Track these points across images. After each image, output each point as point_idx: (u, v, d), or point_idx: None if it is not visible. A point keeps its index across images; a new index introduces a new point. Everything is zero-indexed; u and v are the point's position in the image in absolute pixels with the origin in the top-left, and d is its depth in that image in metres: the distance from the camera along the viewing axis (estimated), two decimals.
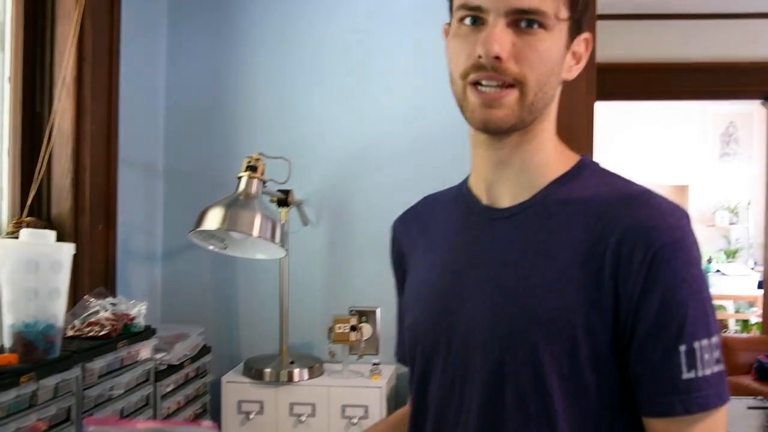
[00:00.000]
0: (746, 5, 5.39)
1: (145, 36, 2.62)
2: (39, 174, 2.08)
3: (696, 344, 1.00)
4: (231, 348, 2.72)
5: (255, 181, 2.25)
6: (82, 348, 1.75)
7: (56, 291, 1.61)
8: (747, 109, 9.16)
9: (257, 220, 2.17)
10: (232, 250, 2.37)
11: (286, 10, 2.70)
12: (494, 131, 1.10)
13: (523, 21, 1.06)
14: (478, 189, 1.19)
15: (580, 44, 1.14)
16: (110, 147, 2.32)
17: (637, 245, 1.02)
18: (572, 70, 1.15)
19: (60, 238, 1.66)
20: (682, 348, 1.00)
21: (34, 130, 2.18)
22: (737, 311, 8.27)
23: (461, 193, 1.23)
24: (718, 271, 7.49)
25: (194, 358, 2.38)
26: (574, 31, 1.12)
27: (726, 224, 9.37)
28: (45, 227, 2.08)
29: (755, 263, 8.58)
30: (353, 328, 2.44)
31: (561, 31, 1.09)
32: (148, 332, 2.02)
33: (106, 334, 1.86)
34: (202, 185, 2.68)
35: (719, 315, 8.15)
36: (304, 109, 2.68)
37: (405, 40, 2.60)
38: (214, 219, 2.15)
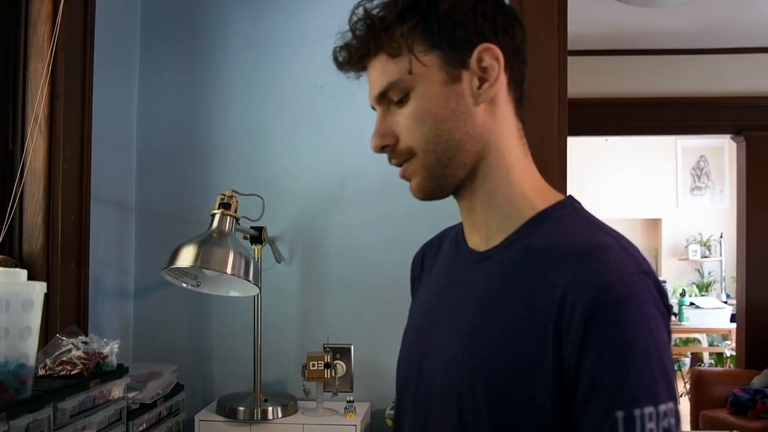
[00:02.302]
0: (715, 41, 5.49)
1: (117, 73, 2.63)
2: (10, 212, 2.07)
3: (637, 411, 0.92)
4: (204, 386, 2.70)
5: (228, 219, 2.25)
6: (54, 387, 1.73)
7: (27, 330, 1.59)
8: (717, 143, 9.30)
9: (230, 258, 2.17)
10: (205, 287, 2.36)
11: (258, 48, 2.72)
12: (422, 199, 1.14)
13: (392, 101, 1.10)
14: (465, 231, 1.19)
15: (480, 60, 1.09)
16: (82, 185, 2.31)
17: (578, 302, 0.96)
18: (484, 90, 1.10)
19: (31, 276, 1.65)
20: (620, 414, 0.92)
21: (5, 167, 2.18)
22: (711, 344, 8.32)
23: (459, 231, 1.22)
24: (692, 304, 7.53)
25: (167, 397, 2.36)
26: (457, 57, 1.09)
27: (698, 257, 9.45)
28: (16, 265, 2.07)
29: (728, 296, 8.65)
30: (327, 366, 2.43)
31: (429, 77, 1.08)
32: (120, 371, 2.01)
33: (78, 373, 1.85)
34: (174, 222, 2.68)
35: (693, 348, 8.20)
36: (277, 146, 2.69)
37: None
38: (186, 256, 2.14)
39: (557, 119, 2.55)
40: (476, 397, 1.03)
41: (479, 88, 1.09)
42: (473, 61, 1.09)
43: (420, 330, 1.20)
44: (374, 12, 1.10)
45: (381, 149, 1.12)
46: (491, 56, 1.09)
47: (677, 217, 9.65)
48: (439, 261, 1.27)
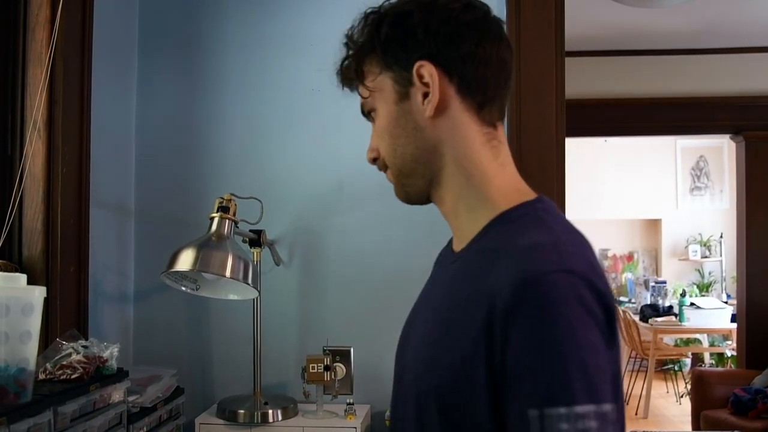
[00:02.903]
0: (713, 41, 5.49)
1: (115, 77, 2.64)
2: (10, 216, 2.08)
3: (549, 411, 0.92)
4: (204, 389, 2.70)
5: (227, 222, 2.26)
6: (54, 391, 1.74)
7: (27, 334, 1.60)
8: (716, 143, 9.30)
9: (229, 261, 2.17)
10: (204, 291, 2.37)
11: (256, 52, 2.72)
12: (405, 202, 1.24)
13: (372, 120, 1.23)
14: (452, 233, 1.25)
15: (420, 76, 1.14)
16: (81, 189, 2.32)
17: (500, 302, 0.98)
18: (426, 104, 1.14)
19: (31, 281, 1.66)
20: (533, 413, 0.93)
21: (5, 172, 2.19)
22: (712, 344, 8.32)
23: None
24: (692, 304, 7.53)
25: (167, 400, 2.36)
26: (404, 75, 1.15)
27: (699, 258, 9.45)
28: (16, 270, 2.07)
29: (728, 296, 8.64)
30: (327, 368, 2.44)
31: (384, 97, 1.18)
32: (120, 375, 2.01)
33: (78, 377, 1.85)
34: (173, 226, 2.68)
35: (694, 349, 8.19)
36: (276, 149, 2.70)
37: None
38: (186, 260, 2.15)
39: (555, 121, 2.56)
40: (428, 396, 1.07)
41: (423, 104, 1.14)
42: (415, 78, 1.14)
43: (405, 328, 1.27)
44: (349, 44, 1.22)
45: (372, 161, 1.25)
46: (427, 72, 1.14)
47: (677, 218, 9.66)
48: (439, 262, 1.33)
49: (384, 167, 1.23)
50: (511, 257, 1.02)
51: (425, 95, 1.14)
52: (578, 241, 1.07)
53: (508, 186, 1.17)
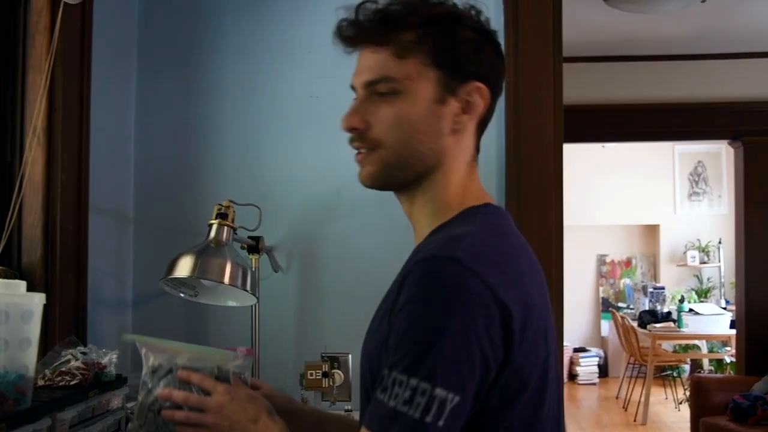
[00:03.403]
0: (711, 47, 5.50)
1: (114, 85, 2.65)
2: (9, 223, 2.08)
3: (393, 374, 1.04)
4: None
5: (225, 229, 2.26)
6: (53, 398, 1.74)
7: (27, 341, 1.60)
8: (715, 148, 9.32)
9: (228, 268, 2.18)
10: (203, 297, 2.37)
11: (254, 59, 2.73)
12: (367, 186, 1.27)
13: (378, 91, 1.21)
14: None
15: (470, 94, 1.21)
16: (80, 196, 2.32)
17: (398, 284, 1.11)
18: (462, 121, 1.22)
19: (30, 287, 1.66)
20: (385, 372, 1.06)
21: (4, 179, 2.19)
22: (710, 351, 8.32)
23: None
24: (691, 310, 7.53)
25: None
26: (452, 83, 1.20)
27: (697, 263, 9.45)
28: (15, 276, 2.08)
29: (727, 302, 8.65)
30: (325, 375, 2.44)
31: (422, 89, 1.19)
32: (119, 381, 2.01)
33: (77, 383, 1.85)
34: (172, 233, 2.68)
35: (693, 355, 8.20)
36: (274, 156, 2.70)
37: None
38: (184, 267, 2.15)
39: (553, 126, 2.57)
40: (366, 377, 1.19)
41: (458, 116, 1.21)
42: (463, 92, 1.21)
43: None
44: (393, 7, 1.20)
45: (351, 129, 1.25)
46: (479, 95, 1.22)
47: (675, 223, 9.67)
48: None
49: (368, 145, 1.23)
50: (427, 246, 1.14)
51: (462, 111, 1.21)
52: (494, 240, 1.17)
53: (469, 198, 1.26)
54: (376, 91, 1.21)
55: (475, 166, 1.28)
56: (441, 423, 1.02)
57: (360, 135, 1.24)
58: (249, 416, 1.30)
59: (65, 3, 2.09)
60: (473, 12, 1.24)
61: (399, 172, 1.23)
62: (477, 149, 1.28)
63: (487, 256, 1.10)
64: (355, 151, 1.28)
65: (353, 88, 1.26)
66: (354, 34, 1.21)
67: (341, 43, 1.23)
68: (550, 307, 1.25)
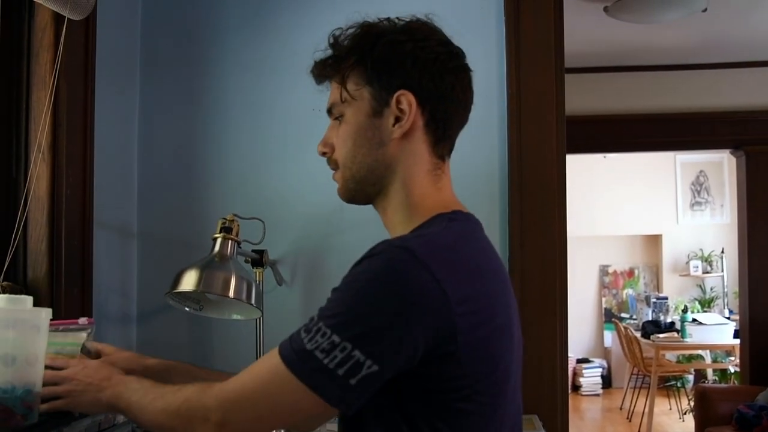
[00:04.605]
0: (712, 56, 5.52)
1: (118, 100, 2.66)
2: (15, 239, 2.09)
3: (321, 323, 1.15)
4: None
5: (229, 243, 2.27)
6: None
7: (34, 356, 1.60)
8: (716, 157, 9.32)
9: (232, 281, 2.18)
10: (207, 311, 2.37)
11: (256, 73, 2.74)
12: (345, 201, 1.42)
13: (335, 117, 1.38)
14: None
15: (399, 102, 1.29)
16: (85, 211, 2.33)
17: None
18: (397, 128, 1.30)
19: (36, 303, 1.66)
20: (315, 316, 1.18)
21: (9, 195, 2.20)
22: (715, 361, 8.30)
23: None
24: (694, 320, 7.52)
25: None
26: (383, 96, 1.30)
27: (700, 273, 9.44)
28: (21, 292, 2.08)
29: (731, 312, 8.63)
30: None
31: (360, 108, 1.32)
32: None
33: None
34: (176, 247, 2.69)
35: (697, 365, 8.18)
36: (277, 169, 2.71)
37: None
38: (189, 281, 2.15)
39: (555, 137, 2.57)
40: None
41: (393, 125, 1.30)
42: (393, 102, 1.30)
43: None
44: (339, 40, 1.35)
45: (322, 154, 1.41)
46: (406, 101, 1.29)
47: (678, 233, 9.66)
48: None
49: (335, 166, 1.39)
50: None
51: (397, 119, 1.30)
52: (452, 240, 1.24)
53: (438, 206, 1.32)
54: (335, 117, 1.37)
55: (441, 175, 1.35)
56: (353, 381, 1.11)
57: (329, 159, 1.40)
58: (101, 376, 1.49)
59: (69, 19, 2.11)
60: (396, 24, 1.34)
61: (357, 185, 1.35)
62: (439, 156, 1.35)
63: (441, 253, 1.18)
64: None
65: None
66: (317, 72, 1.40)
67: (314, 80, 1.43)
68: (515, 307, 1.33)
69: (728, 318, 8.02)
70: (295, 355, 1.16)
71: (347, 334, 1.12)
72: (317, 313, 1.18)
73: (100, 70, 2.41)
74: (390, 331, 1.12)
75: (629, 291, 10.16)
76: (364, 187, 1.36)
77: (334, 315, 1.15)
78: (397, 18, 1.36)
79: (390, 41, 1.31)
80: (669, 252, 9.76)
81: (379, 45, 1.30)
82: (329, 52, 1.37)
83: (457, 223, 1.29)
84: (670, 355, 8.06)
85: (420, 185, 1.33)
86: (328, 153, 1.39)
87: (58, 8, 2.04)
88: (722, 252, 9.30)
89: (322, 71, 1.38)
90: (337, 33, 1.36)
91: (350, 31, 1.35)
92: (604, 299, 10.23)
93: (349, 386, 1.12)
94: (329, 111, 1.39)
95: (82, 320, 1.90)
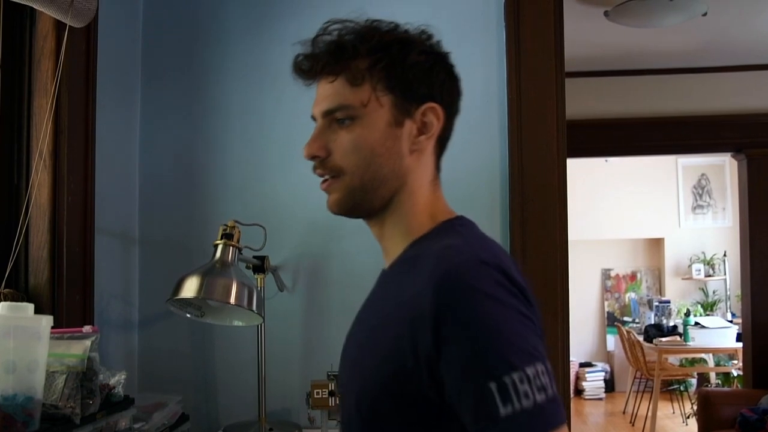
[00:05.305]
0: (714, 60, 5.52)
1: (119, 108, 2.66)
2: (17, 246, 2.09)
3: (505, 379, 0.98)
4: (209, 416, 2.70)
5: (231, 249, 2.27)
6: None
7: (35, 363, 1.61)
8: (718, 161, 9.32)
9: (234, 288, 2.18)
10: (209, 317, 2.37)
11: (257, 80, 2.74)
12: (335, 213, 1.31)
13: (337, 118, 1.26)
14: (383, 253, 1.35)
15: (425, 115, 1.25)
16: (86, 218, 2.33)
17: (425, 296, 1.06)
18: (420, 141, 1.25)
19: (38, 309, 1.66)
20: (493, 386, 0.98)
21: (11, 202, 2.20)
22: (717, 364, 8.29)
23: None
24: (697, 324, 7.51)
25: (173, 427, 2.36)
26: (406, 106, 1.24)
27: (702, 276, 9.43)
28: (23, 299, 2.08)
29: (733, 315, 8.62)
30: (332, 393, 2.44)
31: (378, 114, 1.23)
32: (126, 402, 2.01)
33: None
34: (177, 253, 2.69)
35: (700, 369, 8.17)
36: (278, 175, 2.71)
37: None
38: (190, 287, 2.16)
39: (556, 142, 2.57)
40: (356, 397, 1.18)
41: (416, 137, 1.25)
42: (418, 113, 1.25)
43: (345, 344, 1.36)
44: (346, 37, 1.25)
45: (312, 158, 1.30)
46: (434, 115, 1.26)
47: (680, 237, 9.65)
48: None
49: (331, 173, 1.27)
50: (428, 259, 1.12)
51: (419, 131, 1.25)
52: (489, 244, 1.19)
53: (440, 213, 1.29)
54: (335, 118, 1.26)
55: (438, 184, 1.32)
56: (553, 389, 1.01)
57: (321, 162, 1.28)
58: None
59: (70, 26, 2.11)
60: (423, 36, 1.28)
61: (364, 195, 1.26)
62: (438, 168, 1.32)
63: (499, 257, 1.13)
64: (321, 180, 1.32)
65: (313, 118, 1.32)
66: (309, 66, 1.28)
67: (298, 76, 1.31)
68: None
69: (731, 321, 8.01)
70: (531, 422, 0.99)
71: (527, 358, 1.00)
72: (493, 384, 0.98)
73: (101, 77, 2.41)
74: (532, 329, 1.05)
75: (632, 295, 10.14)
76: (371, 198, 1.27)
77: (511, 357, 1.00)
78: (405, 24, 1.31)
79: (424, 51, 1.26)
80: (671, 255, 9.75)
81: (413, 54, 1.24)
82: (323, 44, 1.27)
83: (468, 228, 1.26)
84: (673, 359, 8.04)
85: (423, 195, 1.29)
86: (321, 156, 1.28)
87: (59, 16, 2.04)
88: (724, 255, 9.29)
89: (332, 67, 1.25)
90: (339, 27, 1.27)
91: (362, 29, 1.26)
92: (606, 303, 10.21)
93: (555, 393, 1.02)
94: (329, 111, 1.27)
95: (87, 328, 1.91)
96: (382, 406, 1.12)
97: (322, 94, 1.29)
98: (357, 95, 1.23)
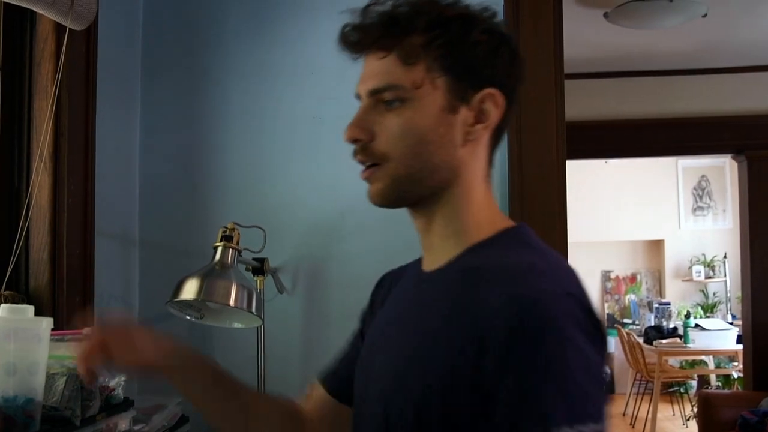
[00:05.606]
0: (714, 61, 5.52)
1: (119, 110, 2.66)
2: (17, 248, 2.10)
3: (580, 428, 0.91)
4: None
5: (230, 251, 2.27)
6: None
7: (35, 365, 1.61)
8: (718, 162, 9.31)
9: (233, 290, 2.18)
10: (208, 319, 2.38)
11: (257, 81, 2.75)
12: (377, 204, 1.17)
13: (384, 99, 1.12)
14: (423, 250, 1.23)
15: (483, 102, 1.12)
16: (87, 220, 2.34)
17: (500, 320, 0.96)
18: (476, 130, 1.13)
19: (38, 311, 1.67)
20: (566, 430, 0.90)
21: (11, 204, 2.21)
22: (718, 366, 8.28)
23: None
24: (697, 325, 7.51)
25: (172, 429, 2.36)
26: (463, 90, 1.11)
27: (702, 278, 9.42)
28: (23, 301, 2.09)
29: (734, 317, 8.62)
30: None
31: (431, 97, 1.10)
32: (126, 403, 2.02)
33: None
34: (177, 256, 2.69)
35: (700, 371, 8.16)
36: (278, 178, 2.71)
37: None
38: (190, 289, 2.16)
39: (556, 143, 2.57)
40: (401, 412, 1.05)
41: (471, 126, 1.12)
42: (476, 99, 1.12)
43: (367, 346, 1.26)
44: (401, 9, 1.12)
45: (353, 141, 1.16)
46: (493, 102, 1.13)
47: (680, 238, 9.65)
48: (400, 283, 1.30)
49: (374, 159, 1.14)
50: (508, 276, 1.02)
51: (475, 119, 1.12)
52: (564, 263, 1.09)
53: (495, 215, 1.18)
54: (382, 99, 1.12)
55: (490, 182, 1.19)
56: None
57: (363, 147, 1.15)
58: None
59: (70, 29, 2.12)
60: (487, 13, 1.15)
61: (410, 186, 1.13)
62: (491, 163, 1.19)
63: (579, 282, 1.05)
64: (361, 167, 1.19)
65: (358, 96, 1.18)
66: (358, 39, 1.13)
67: (345, 48, 1.16)
68: None
69: (731, 323, 8.01)
70: None
71: (584, 415, 0.92)
72: (538, 429, 0.91)
73: (101, 79, 2.42)
74: (602, 381, 0.99)
75: (632, 296, 10.14)
76: (418, 190, 1.14)
77: (563, 409, 0.91)
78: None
79: (487, 30, 1.13)
80: (671, 257, 9.75)
81: (475, 32, 1.11)
82: (374, 15, 1.13)
83: (536, 240, 1.14)
84: (673, 361, 8.04)
85: (479, 193, 1.16)
86: (364, 140, 1.14)
87: (59, 18, 2.05)
88: (725, 257, 9.28)
89: (375, 38, 1.12)
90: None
91: (419, 1, 1.13)
92: (606, 305, 10.21)
93: None
94: (376, 91, 1.12)
95: (87, 330, 1.89)
96: (426, 422, 1.02)
97: (370, 70, 1.14)
98: (409, 75, 1.10)
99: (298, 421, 1.44)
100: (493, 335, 0.96)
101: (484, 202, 1.17)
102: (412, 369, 1.06)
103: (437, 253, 1.17)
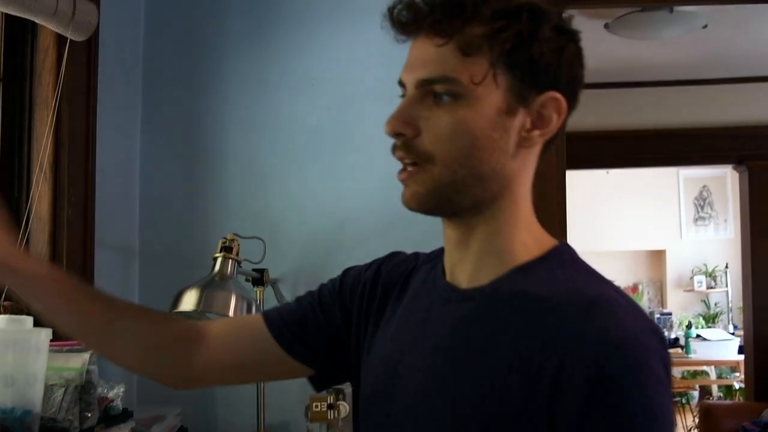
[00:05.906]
0: (714, 72, 5.52)
1: (119, 120, 2.67)
2: None
3: None
4: (208, 429, 2.70)
5: (230, 262, 2.27)
6: None
7: (33, 376, 1.61)
8: (719, 172, 9.29)
9: (233, 301, 2.18)
10: None
11: (258, 91, 2.75)
12: (411, 209, 1.04)
13: (434, 92, 0.99)
14: (446, 263, 1.11)
15: (544, 106, 1.01)
16: (87, 231, 2.34)
17: (582, 360, 0.88)
18: (533, 137, 1.01)
19: (37, 323, 1.66)
20: None
21: (11, 215, 2.20)
22: (719, 377, 8.25)
23: (439, 260, 1.14)
24: (698, 336, 7.49)
25: None
26: (525, 91, 0.99)
27: (704, 288, 9.40)
28: (22, 312, 2.08)
29: (735, 327, 8.59)
30: (330, 407, 2.43)
31: (489, 96, 0.98)
32: (125, 415, 2.02)
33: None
34: (177, 267, 2.69)
35: (701, 381, 8.14)
36: (278, 188, 2.71)
37: (379, 117, 2.63)
38: (189, 300, 2.16)
39: (556, 154, 2.57)
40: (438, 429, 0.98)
41: (529, 131, 1.01)
42: (537, 103, 1.00)
43: (388, 361, 1.12)
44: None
45: (395, 135, 1.03)
46: (555, 107, 1.01)
47: (681, 248, 9.63)
48: (410, 291, 1.18)
49: (417, 158, 1.01)
50: (586, 312, 0.92)
51: (533, 125, 1.01)
52: (629, 296, 1.01)
53: (539, 232, 1.08)
54: (432, 91, 0.99)
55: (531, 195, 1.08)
56: None
57: (406, 143, 1.01)
58: None
59: (71, 40, 2.12)
60: (555, 7, 1.02)
61: (453, 195, 1.01)
62: (536, 173, 1.08)
63: (652, 318, 1.01)
64: (400, 166, 1.06)
65: (401, 84, 1.05)
66: (412, 19, 0.99)
67: (394, 28, 1.01)
68: None
69: (733, 333, 7.98)
70: None
71: None
72: None
73: (101, 90, 2.42)
74: (673, 422, 0.93)
75: None
76: (461, 200, 1.01)
77: None
78: None
79: (557, 27, 1.00)
80: (673, 267, 9.73)
81: (545, 27, 0.98)
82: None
83: (586, 264, 1.05)
84: (675, 371, 8.01)
85: (526, 208, 1.05)
86: (407, 135, 1.01)
87: (60, 29, 2.05)
88: (726, 267, 9.26)
89: (432, 21, 0.97)
90: None
91: None
92: None
93: None
94: (427, 82, 0.99)
95: None
96: None
97: (421, 56, 1.00)
98: (467, 68, 0.96)
99: (181, 339, 1.32)
100: (573, 376, 0.88)
101: (530, 217, 1.06)
102: (471, 405, 0.96)
103: (473, 269, 1.06)
